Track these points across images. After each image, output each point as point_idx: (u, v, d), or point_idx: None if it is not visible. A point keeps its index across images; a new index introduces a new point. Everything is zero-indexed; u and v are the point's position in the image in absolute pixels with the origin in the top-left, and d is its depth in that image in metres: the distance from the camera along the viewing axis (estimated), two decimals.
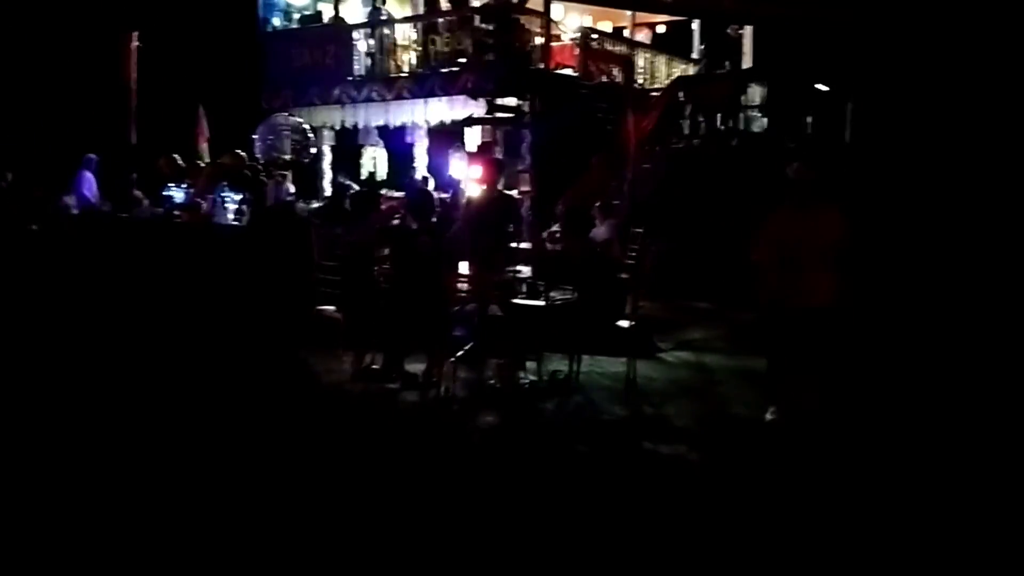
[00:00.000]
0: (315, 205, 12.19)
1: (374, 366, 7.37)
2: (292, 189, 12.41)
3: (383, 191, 12.16)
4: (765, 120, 14.89)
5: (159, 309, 9.08)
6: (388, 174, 15.17)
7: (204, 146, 13.50)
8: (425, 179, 13.24)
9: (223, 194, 10.86)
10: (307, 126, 13.46)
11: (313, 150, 13.67)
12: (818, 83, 14.50)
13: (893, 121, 13.64)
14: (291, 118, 13.41)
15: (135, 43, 13.61)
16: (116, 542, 4.16)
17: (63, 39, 14.68)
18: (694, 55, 16.68)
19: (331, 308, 7.80)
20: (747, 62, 16.58)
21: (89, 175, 12.81)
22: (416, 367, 7.22)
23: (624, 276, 8.16)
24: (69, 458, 5.29)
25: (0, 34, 13.54)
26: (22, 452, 5.39)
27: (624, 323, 7.39)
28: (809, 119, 14.67)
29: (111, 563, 3.99)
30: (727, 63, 15.76)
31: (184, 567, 3.97)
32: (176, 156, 12.29)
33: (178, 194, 11.47)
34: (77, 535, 4.23)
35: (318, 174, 14.51)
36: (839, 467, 5.39)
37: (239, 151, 12.17)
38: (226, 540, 4.22)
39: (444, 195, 11.86)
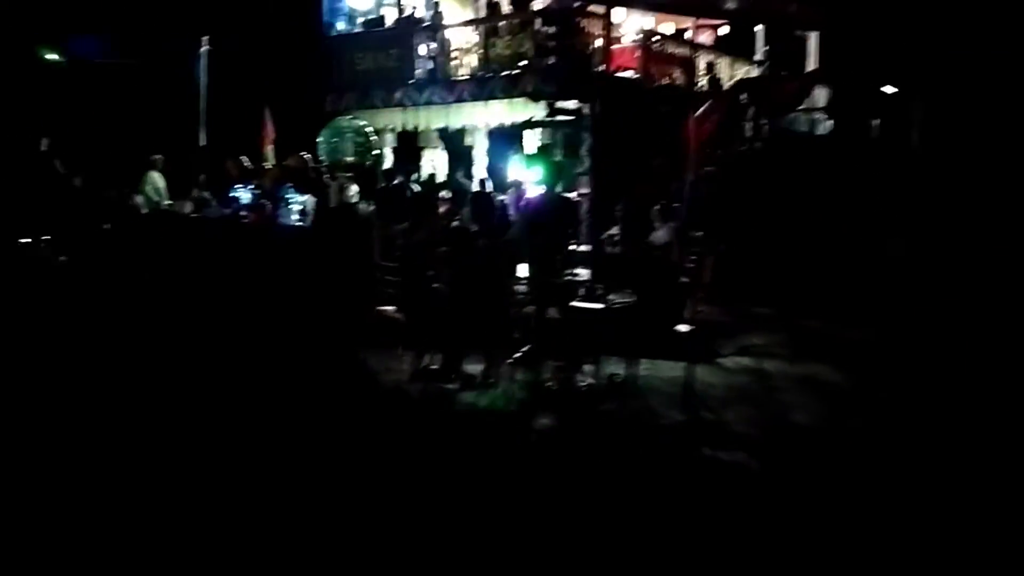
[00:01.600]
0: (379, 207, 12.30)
1: (433, 366, 7.44)
2: (356, 191, 12.54)
3: (442, 193, 12.25)
4: (830, 122, 14.65)
5: (225, 307, 9.29)
6: (447, 176, 15.27)
7: (269, 148, 13.75)
8: (483, 182, 13.30)
9: (288, 195, 11.07)
10: (370, 129, 13.64)
11: (375, 152, 13.83)
12: (885, 85, 14.21)
13: (963, 123, 13.29)
14: (354, 121, 13.59)
15: (205, 47, 13.95)
16: (187, 526, 4.29)
17: (135, 42, 15.12)
18: (758, 56, 16.45)
19: (391, 308, 7.91)
20: (812, 63, 16.30)
21: (156, 175, 13.16)
22: (474, 368, 7.27)
23: (683, 280, 8.10)
24: (141, 449, 5.45)
25: (72, 36, 13.98)
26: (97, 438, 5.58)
27: (683, 327, 7.35)
28: (875, 122, 14.38)
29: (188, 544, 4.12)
30: (791, 65, 15.51)
31: (249, 554, 4.07)
32: (243, 158, 12.55)
33: (245, 195, 11.70)
34: (152, 521, 4.37)
35: (379, 177, 14.67)
36: (898, 478, 5.28)
37: (304, 153, 12.39)
38: (286, 529, 4.32)
39: (503, 197, 11.91)
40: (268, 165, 13.16)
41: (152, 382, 7.01)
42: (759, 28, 16.48)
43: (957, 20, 14.69)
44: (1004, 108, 13.49)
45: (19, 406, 6.23)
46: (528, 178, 10.95)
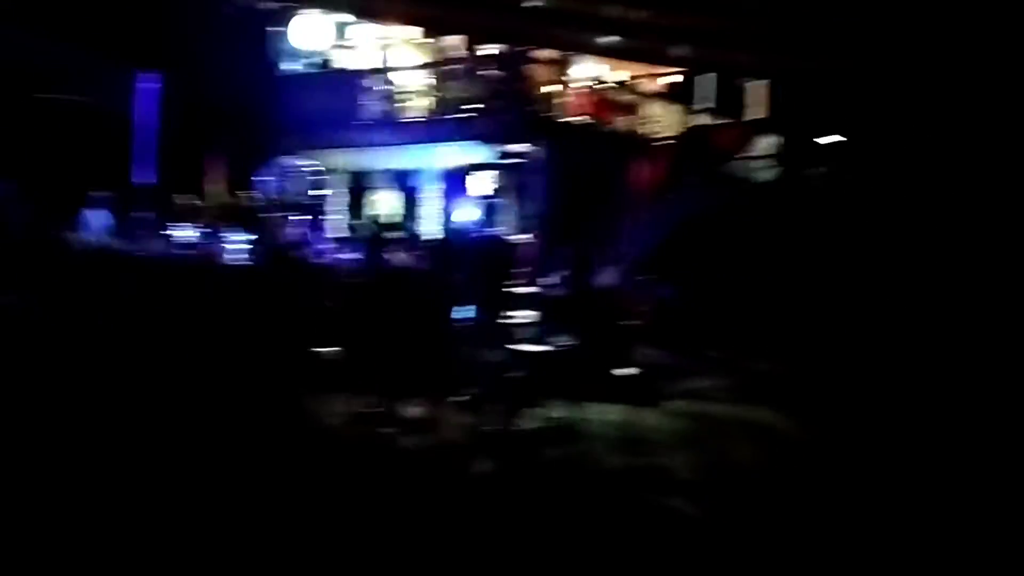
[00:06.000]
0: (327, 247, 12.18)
1: (374, 409, 7.30)
2: (302, 230, 12.41)
3: (391, 234, 12.18)
4: (776, 169, 14.92)
5: (164, 345, 9.07)
6: (397, 218, 15.21)
7: (216, 187, 13.61)
8: (447, 225, 13.23)
9: (233, 234, 10.95)
10: (319, 169, 13.59)
11: (323, 192, 13.77)
12: (832, 133, 14.55)
13: (906, 170, 13.62)
14: (303, 161, 13.53)
15: (148, 84, 13.81)
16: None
17: (81, 78, 14.91)
18: (709, 104, 16.74)
19: (332, 349, 7.78)
20: (761, 112, 16.64)
21: (99, 213, 12.88)
22: (416, 411, 7.15)
23: (629, 323, 8.10)
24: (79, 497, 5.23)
25: (18, 72, 13.72)
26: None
27: (627, 370, 7.32)
28: (823, 169, 14.70)
29: None
30: (739, 113, 15.83)
31: None
32: (190, 196, 12.40)
33: (190, 233, 11.56)
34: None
35: (327, 217, 14.57)
36: (842, 519, 5.26)
37: (250, 192, 12.28)
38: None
39: (455, 238, 11.87)
40: (214, 204, 13.01)
41: (86, 418, 6.77)
42: (712, 77, 16.82)
43: (903, 70, 15.11)
44: (949, 157, 13.85)
45: None
46: (476, 220, 10.97)
